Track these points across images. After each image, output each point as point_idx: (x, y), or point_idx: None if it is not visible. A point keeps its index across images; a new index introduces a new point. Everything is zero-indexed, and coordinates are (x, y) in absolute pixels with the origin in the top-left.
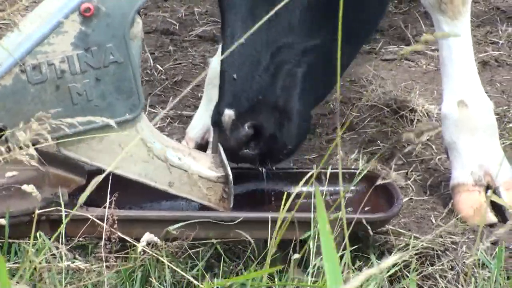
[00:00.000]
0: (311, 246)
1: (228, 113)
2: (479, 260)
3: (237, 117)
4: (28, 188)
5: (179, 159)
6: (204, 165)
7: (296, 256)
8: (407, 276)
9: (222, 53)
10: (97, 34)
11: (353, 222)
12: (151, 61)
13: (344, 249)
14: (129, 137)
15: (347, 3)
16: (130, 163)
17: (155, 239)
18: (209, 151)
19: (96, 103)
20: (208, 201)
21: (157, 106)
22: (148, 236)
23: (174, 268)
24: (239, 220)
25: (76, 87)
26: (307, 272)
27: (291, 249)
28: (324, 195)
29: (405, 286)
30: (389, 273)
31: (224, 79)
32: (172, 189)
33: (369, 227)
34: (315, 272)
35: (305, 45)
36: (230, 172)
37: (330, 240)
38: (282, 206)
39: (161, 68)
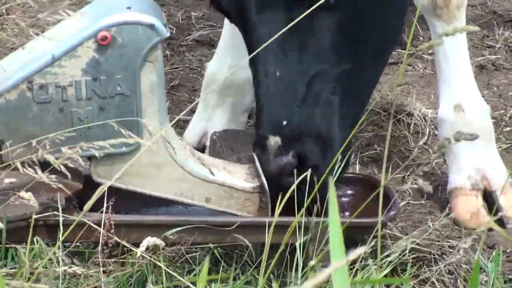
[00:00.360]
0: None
1: (274, 139)
2: (476, 264)
3: (282, 144)
4: (26, 195)
5: (213, 174)
6: (240, 177)
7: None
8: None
9: (258, 84)
10: (108, 64)
11: (349, 226)
12: None
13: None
14: (160, 157)
15: (370, 25)
16: (164, 183)
17: (158, 241)
18: (205, 155)
19: (96, 132)
20: (247, 212)
21: None
22: (148, 241)
23: (171, 272)
24: (236, 224)
25: (79, 112)
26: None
27: (287, 253)
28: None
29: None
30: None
31: (264, 107)
32: (209, 205)
33: (366, 231)
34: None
35: (338, 71)
36: (265, 181)
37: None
38: (276, 210)
39: None
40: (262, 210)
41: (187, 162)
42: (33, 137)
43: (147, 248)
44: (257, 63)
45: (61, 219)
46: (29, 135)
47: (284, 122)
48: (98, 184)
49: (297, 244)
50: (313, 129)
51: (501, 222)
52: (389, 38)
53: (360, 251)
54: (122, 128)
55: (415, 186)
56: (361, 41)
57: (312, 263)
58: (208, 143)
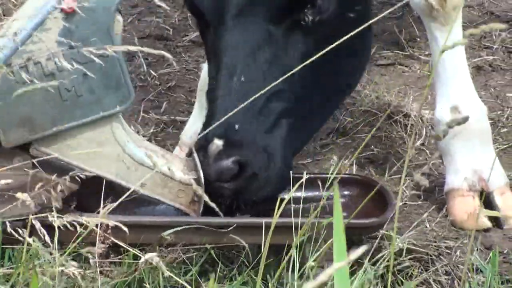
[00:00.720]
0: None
1: (217, 143)
2: (473, 265)
3: (224, 149)
4: (22, 196)
5: (153, 160)
6: (177, 168)
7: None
8: (402, 282)
9: (217, 86)
10: (81, 30)
11: (346, 227)
12: (145, 66)
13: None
14: (104, 136)
15: (334, 63)
16: (104, 162)
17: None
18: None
19: (85, 97)
20: (179, 203)
21: (150, 111)
22: (149, 256)
23: (168, 273)
24: (233, 225)
25: (64, 83)
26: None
27: (284, 254)
28: (316, 200)
29: None
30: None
31: (217, 110)
32: (143, 190)
33: (362, 232)
34: (311, 277)
35: (293, 94)
36: (202, 176)
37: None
38: (275, 211)
39: (154, 74)
40: (195, 204)
41: (128, 144)
42: (27, 118)
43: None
44: (218, 66)
45: (56, 220)
46: (22, 117)
47: (231, 128)
48: (94, 185)
49: (293, 245)
50: (257, 140)
51: (498, 223)
52: (346, 83)
53: (361, 250)
54: (110, 89)
55: (412, 187)
56: (321, 74)
57: (310, 264)
58: None
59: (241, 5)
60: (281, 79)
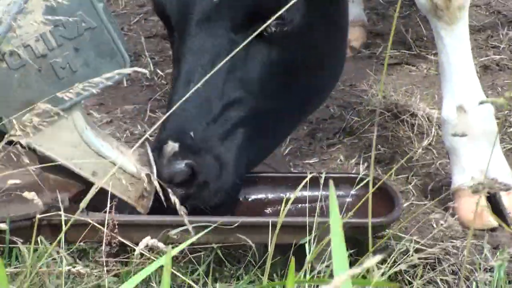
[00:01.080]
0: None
1: (172, 144)
2: (480, 264)
3: (179, 152)
4: (29, 195)
5: (107, 150)
6: (130, 161)
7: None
8: (409, 282)
9: (174, 91)
10: (64, 6)
11: (353, 227)
12: (151, 66)
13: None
14: (64, 121)
15: (299, 75)
16: (60, 146)
17: (155, 243)
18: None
19: (82, 72)
20: (128, 196)
21: (157, 110)
22: (146, 240)
23: (175, 272)
24: (239, 224)
25: (58, 62)
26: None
27: (291, 253)
28: (322, 200)
29: None
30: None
31: (173, 114)
32: (94, 178)
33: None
34: (314, 276)
35: (254, 104)
36: (154, 172)
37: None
38: (281, 211)
39: (161, 73)
40: (143, 199)
41: (86, 132)
42: (27, 103)
43: (148, 247)
44: (180, 70)
45: (63, 219)
46: (22, 102)
47: (186, 133)
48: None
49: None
50: (212, 148)
51: (505, 222)
52: (314, 96)
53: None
54: (104, 58)
55: (419, 186)
56: (285, 85)
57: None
58: None
59: (205, 11)
60: (237, 88)
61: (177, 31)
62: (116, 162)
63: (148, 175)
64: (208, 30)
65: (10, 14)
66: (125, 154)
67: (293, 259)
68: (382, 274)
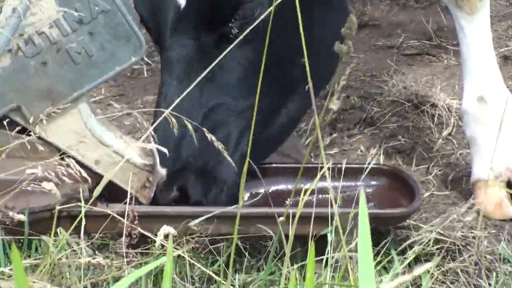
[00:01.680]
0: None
1: (161, 173)
2: (500, 254)
3: (168, 178)
4: (49, 186)
5: (111, 140)
6: (134, 151)
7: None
8: (428, 271)
9: (157, 107)
10: None
11: (374, 217)
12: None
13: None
14: (68, 107)
15: (277, 71)
16: (64, 133)
17: (172, 231)
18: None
19: (98, 56)
20: (130, 186)
21: None
22: (165, 229)
23: (195, 263)
24: (259, 215)
25: (73, 47)
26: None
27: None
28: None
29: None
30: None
31: (158, 134)
32: (97, 167)
33: (390, 222)
34: (333, 266)
35: (239, 110)
36: (158, 163)
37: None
38: (300, 201)
39: None
40: (145, 190)
41: (90, 119)
42: (45, 90)
43: (166, 237)
44: (160, 84)
45: (83, 210)
46: (41, 89)
47: (172, 155)
48: None
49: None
50: (199, 164)
51: None
52: (299, 101)
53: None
54: (119, 41)
55: (440, 176)
56: (265, 89)
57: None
58: None
59: (173, 23)
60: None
61: (158, 45)
62: (120, 152)
63: (150, 166)
64: (177, 41)
65: (24, 2)
66: (129, 144)
67: (312, 252)
68: (402, 264)
